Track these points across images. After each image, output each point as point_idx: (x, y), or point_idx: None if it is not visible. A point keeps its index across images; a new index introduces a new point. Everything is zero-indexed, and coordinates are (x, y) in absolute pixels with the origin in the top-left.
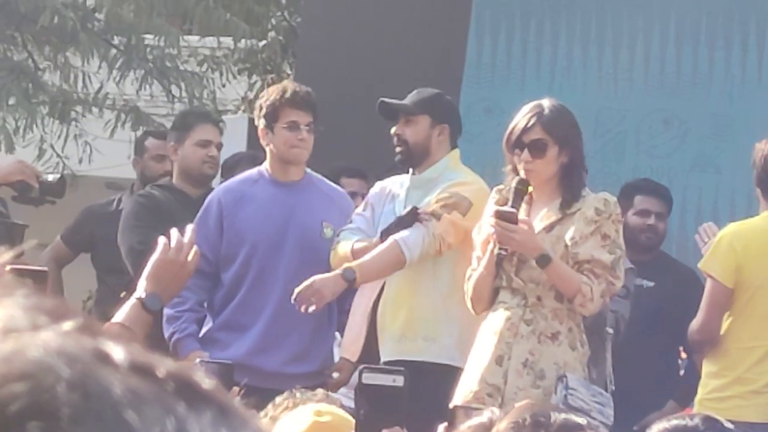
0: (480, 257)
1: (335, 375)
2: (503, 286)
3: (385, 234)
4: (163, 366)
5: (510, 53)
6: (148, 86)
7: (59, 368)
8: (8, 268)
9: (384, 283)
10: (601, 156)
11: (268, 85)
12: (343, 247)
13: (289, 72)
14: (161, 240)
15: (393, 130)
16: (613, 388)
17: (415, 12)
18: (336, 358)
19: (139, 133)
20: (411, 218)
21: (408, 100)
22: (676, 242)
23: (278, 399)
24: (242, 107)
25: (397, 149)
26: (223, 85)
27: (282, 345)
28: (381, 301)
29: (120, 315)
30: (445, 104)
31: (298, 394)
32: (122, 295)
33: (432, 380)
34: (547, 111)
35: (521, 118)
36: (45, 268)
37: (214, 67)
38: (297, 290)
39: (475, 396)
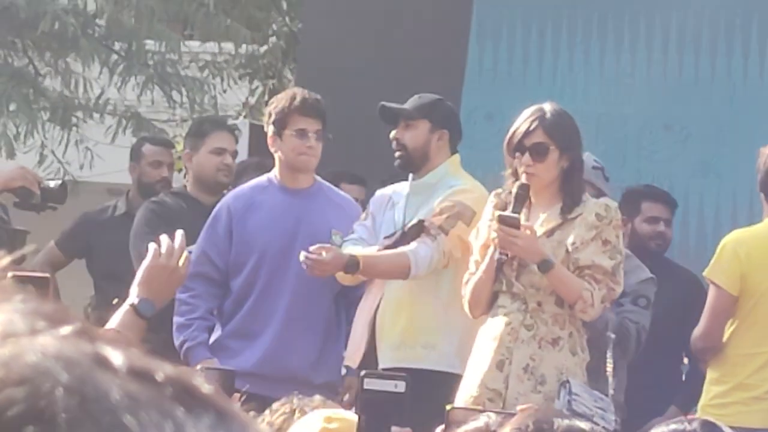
0: (478, 261)
1: (346, 398)
2: (503, 291)
3: (391, 245)
4: (162, 371)
5: (511, 59)
6: (149, 92)
7: (57, 373)
8: (10, 274)
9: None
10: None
11: (270, 91)
12: None
13: (290, 77)
14: (151, 246)
15: (392, 134)
16: (612, 392)
17: (416, 18)
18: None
19: None
20: (417, 231)
21: (408, 105)
22: (678, 248)
23: (275, 405)
24: (243, 113)
25: (396, 154)
26: (225, 91)
27: (291, 353)
28: (380, 309)
29: (114, 321)
30: (445, 110)
31: (295, 400)
32: (114, 301)
33: (432, 387)
34: (549, 115)
35: (523, 121)
36: (47, 275)
37: (215, 73)
38: (312, 249)
39: (475, 401)
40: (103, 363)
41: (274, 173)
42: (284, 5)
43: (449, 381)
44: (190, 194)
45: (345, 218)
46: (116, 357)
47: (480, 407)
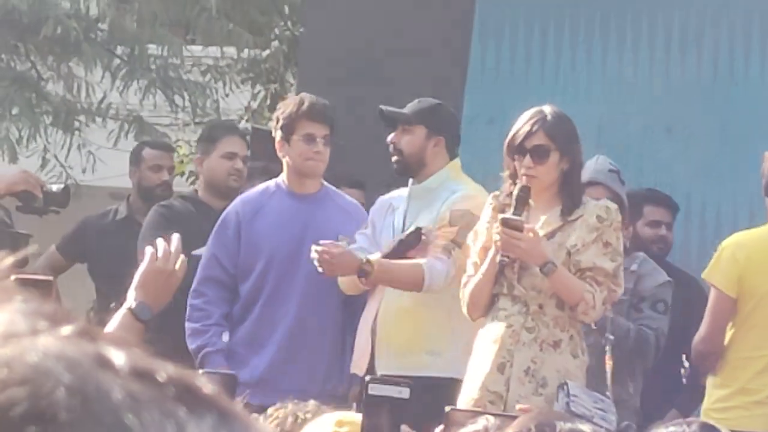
0: (477, 264)
1: (354, 406)
2: (503, 294)
3: (388, 254)
4: (164, 371)
5: (513, 58)
6: (151, 96)
7: (59, 373)
8: (13, 277)
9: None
10: None
11: (272, 95)
12: None
13: (292, 82)
14: (148, 249)
15: (389, 138)
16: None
17: (417, 21)
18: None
19: None
20: (414, 239)
21: (407, 109)
22: (680, 250)
23: (270, 410)
24: (245, 117)
25: (393, 158)
26: (227, 95)
27: (298, 361)
28: (379, 316)
29: (112, 325)
30: (443, 116)
31: (290, 405)
32: (112, 305)
33: (438, 394)
34: (549, 117)
35: (523, 123)
36: (50, 278)
37: (217, 77)
38: (323, 242)
39: (476, 404)
40: (104, 363)
41: (282, 178)
42: (286, 9)
43: (456, 387)
44: (200, 199)
45: (352, 223)
46: (118, 357)
47: (480, 409)
